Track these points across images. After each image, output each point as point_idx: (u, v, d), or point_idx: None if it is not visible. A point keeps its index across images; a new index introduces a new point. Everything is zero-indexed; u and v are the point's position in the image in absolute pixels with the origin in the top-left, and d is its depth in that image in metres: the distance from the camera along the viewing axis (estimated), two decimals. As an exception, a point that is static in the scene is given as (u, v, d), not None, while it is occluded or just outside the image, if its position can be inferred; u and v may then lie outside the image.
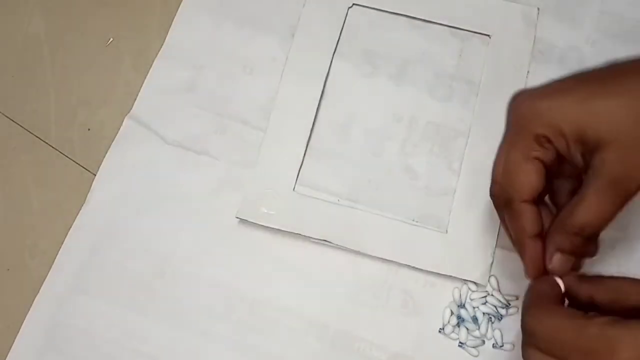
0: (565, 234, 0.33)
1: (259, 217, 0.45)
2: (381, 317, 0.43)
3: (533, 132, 0.33)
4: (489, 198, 0.45)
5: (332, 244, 0.44)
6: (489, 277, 0.43)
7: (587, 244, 0.34)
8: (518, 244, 0.35)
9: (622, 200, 0.32)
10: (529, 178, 0.33)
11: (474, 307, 0.43)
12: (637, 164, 0.32)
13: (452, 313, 0.43)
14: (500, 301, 0.43)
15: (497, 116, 0.47)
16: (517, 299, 0.43)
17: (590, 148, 0.32)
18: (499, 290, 0.43)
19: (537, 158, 0.33)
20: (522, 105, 0.34)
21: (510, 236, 0.36)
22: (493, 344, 0.42)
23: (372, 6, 0.50)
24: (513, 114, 0.34)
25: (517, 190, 0.34)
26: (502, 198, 0.35)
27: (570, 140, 0.33)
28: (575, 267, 0.34)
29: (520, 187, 0.34)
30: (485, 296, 0.43)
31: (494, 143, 0.45)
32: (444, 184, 0.46)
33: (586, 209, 0.32)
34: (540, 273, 0.34)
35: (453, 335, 0.43)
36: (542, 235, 0.34)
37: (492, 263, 0.43)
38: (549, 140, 0.33)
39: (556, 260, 0.34)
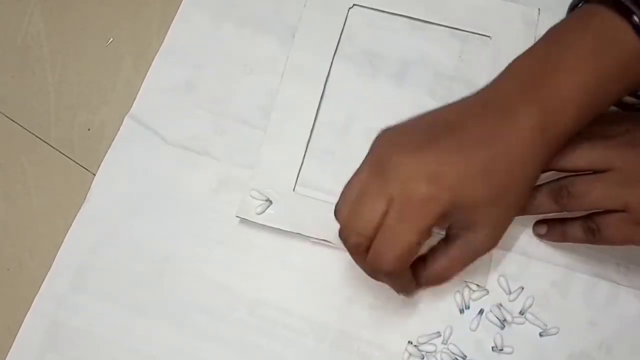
0: (426, 282, 0.37)
1: (259, 216, 0.45)
2: (381, 317, 0.43)
3: (433, 218, 0.33)
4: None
5: (332, 244, 0.44)
6: (498, 277, 0.43)
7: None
8: (401, 292, 0.38)
9: (469, 262, 0.36)
10: (412, 257, 0.34)
11: (477, 313, 0.43)
12: (492, 237, 0.35)
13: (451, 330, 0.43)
14: (506, 309, 0.43)
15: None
16: (522, 289, 0.43)
17: (462, 224, 0.35)
18: (509, 290, 0.43)
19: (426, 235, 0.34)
20: (410, 179, 0.33)
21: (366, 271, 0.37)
22: (492, 347, 0.42)
23: (373, 7, 0.50)
24: (397, 179, 0.34)
25: (402, 266, 0.34)
26: (391, 274, 0.35)
27: (447, 222, 0.35)
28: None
29: (405, 263, 0.34)
30: (485, 295, 0.43)
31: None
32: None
33: (443, 270, 0.36)
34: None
35: (453, 339, 0.43)
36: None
37: (491, 264, 0.43)
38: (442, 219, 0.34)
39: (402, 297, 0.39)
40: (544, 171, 0.39)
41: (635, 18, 0.33)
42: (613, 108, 0.40)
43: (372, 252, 0.34)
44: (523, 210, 0.39)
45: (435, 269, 0.37)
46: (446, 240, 0.36)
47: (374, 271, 0.36)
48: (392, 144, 0.35)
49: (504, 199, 0.34)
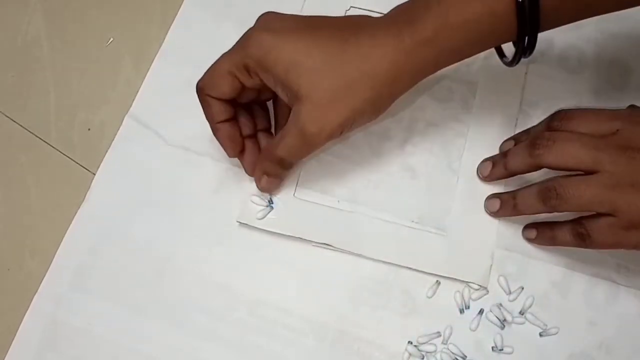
0: (269, 162, 0.42)
1: (260, 222, 0.45)
2: (381, 317, 0.43)
3: (246, 60, 0.38)
4: (488, 198, 0.45)
5: (333, 248, 0.44)
6: (498, 277, 0.43)
7: (287, 169, 0.43)
8: (213, 130, 0.42)
9: (310, 148, 0.40)
10: (222, 87, 0.40)
11: (477, 313, 0.43)
12: (323, 123, 0.37)
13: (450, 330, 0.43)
14: (506, 309, 0.43)
15: (496, 116, 0.47)
16: (522, 289, 0.43)
17: (292, 95, 0.38)
18: (509, 290, 0.43)
19: (236, 77, 0.39)
20: (257, 31, 0.38)
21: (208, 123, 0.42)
22: (492, 347, 0.42)
23: (370, 8, 0.50)
24: (250, 31, 0.39)
25: (210, 89, 0.40)
26: (200, 90, 0.41)
27: (277, 83, 0.38)
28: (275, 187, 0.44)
29: (213, 88, 0.40)
30: (485, 295, 0.43)
31: (493, 143, 0.46)
32: (443, 184, 0.46)
33: (283, 147, 0.40)
34: (237, 149, 0.43)
35: (453, 339, 0.43)
36: (232, 121, 0.42)
37: (491, 264, 0.43)
38: (257, 74, 0.38)
39: (264, 182, 0.44)
40: (534, 169, 0.40)
41: None
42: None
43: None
44: (376, 113, 0.40)
45: (271, 145, 0.41)
46: None
47: (199, 97, 0.41)
48: (262, 24, 0.39)
49: (332, 78, 0.37)
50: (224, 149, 0.43)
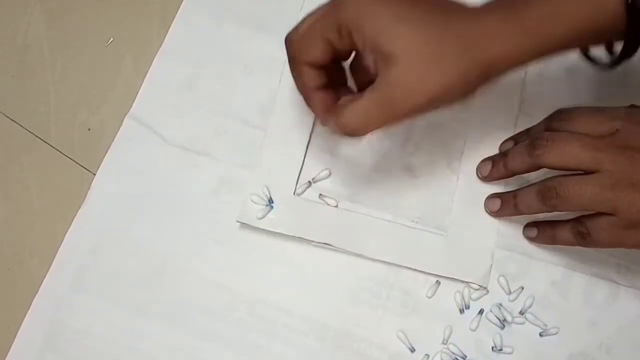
0: (333, 124, 0.38)
1: (260, 221, 0.45)
2: (381, 317, 0.43)
3: (339, 21, 0.36)
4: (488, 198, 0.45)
5: (333, 247, 0.44)
6: (498, 277, 0.43)
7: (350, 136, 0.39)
8: (305, 97, 0.40)
9: (386, 120, 0.37)
10: (315, 51, 0.37)
11: (477, 313, 0.43)
12: (413, 90, 0.35)
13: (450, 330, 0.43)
14: (506, 309, 0.43)
15: (496, 116, 0.47)
16: (522, 289, 0.43)
17: (381, 59, 0.35)
18: (509, 290, 0.43)
19: (329, 41, 0.37)
20: None
21: (300, 92, 0.40)
22: (492, 347, 0.42)
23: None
24: None
25: (302, 55, 0.38)
26: (293, 58, 0.39)
27: (367, 45, 0.36)
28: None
29: (306, 54, 0.38)
30: (485, 295, 0.43)
31: (492, 143, 0.46)
32: (443, 184, 0.46)
33: (351, 113, 0.37)
34: (327, 116, 0.39)
35: (453, 339, 0.43)
36: (325, 89, 0.39)
37: (491, 264, 0.43)
38: (349, 35, 0.36)
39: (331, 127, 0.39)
40: (534, 169, 0.40)
41: None
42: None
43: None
44: (464, 93, 0.37)
45: (345, 103, 0.38)
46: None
47: (289, 60, 0.39)
48: None
49: (431, 43, 0.35)
50: (317, 116, 0.41)
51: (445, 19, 0.36)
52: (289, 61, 0.39)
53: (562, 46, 0.37)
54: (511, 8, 0.36)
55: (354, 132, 0.38)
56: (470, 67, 0.35)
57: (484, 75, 0.36)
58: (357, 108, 0.37)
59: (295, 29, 0.39)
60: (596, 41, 0.38)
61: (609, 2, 0.34)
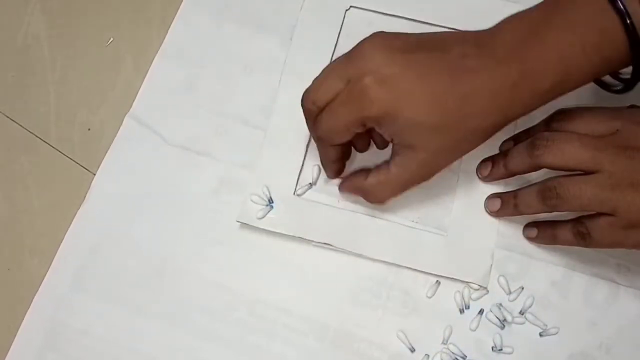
0: (357, 189, 0.42)
1: (260, 221, 0.45)
2: (381, 317, 0.43)
3: (363, 120, 0.37)
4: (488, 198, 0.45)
5: (333, 247, 0.44)
6: (498, 277, 0.43)
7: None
8: (324, 166, 0.44)
9: (409, 188, 0.40)
10: (341, 139, 0.40)
11: (477, 313, 0.43)
12: (438, 165, 0.39)
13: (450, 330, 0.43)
14: (506, 309, 0.43)
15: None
16: (522, 289, 0.43)
17: (404, 146, 0.38)
18: (509, 290, 0.43)
19: (353, 131, 0.39)
20: (372, 86, 0.36)
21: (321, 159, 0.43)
22: (492, 347, 0.42)
23: (370, 8, 0.49)
24: (365, 81, 0.36)
25: (330, 141, 0.40)
26: (320, 141, 0.41)
27: (391, 136, 0.38)
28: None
29: (333, 140, 0.40)
30: (485, 295, 0.43)
31: (492, 142, 0.46)
32: (443, 184, 0.46)
33: (381, 193, 0.41)
34: (337, 175, 0.44)
35: (453, 339, 0.43)
36: (344, 160, 0.43)
37: (491, 264, 0.43)
38: (372, 126, 0.38)
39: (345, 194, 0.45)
40: (534, 169, 0.40)
41: (619, 3, 0.35)
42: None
43: (317, 119, 0.39)
44: (463, 152, 0.40)
45: (371, 182, 0.41)
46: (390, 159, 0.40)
47: (313, 135, 0.41)
48: (376, 41, 0.37)
49: (449, 132, 0.37)
50: (327, 175, 0.45)
51: (460, 105, 0.36)
52: (316, 141, 0.42)
53: (575, 87, 0.38)
54: (524, 63, 0.36)
55: (381, 203, 0.42)
56: (489, 131, 0.38)
57: (501, 128, 0.39)
58: (386, 188, 0.41)
59: (315, 89, 0.39)
60: (605, 74, 0.39)
61: (613, 34, 0.35)
